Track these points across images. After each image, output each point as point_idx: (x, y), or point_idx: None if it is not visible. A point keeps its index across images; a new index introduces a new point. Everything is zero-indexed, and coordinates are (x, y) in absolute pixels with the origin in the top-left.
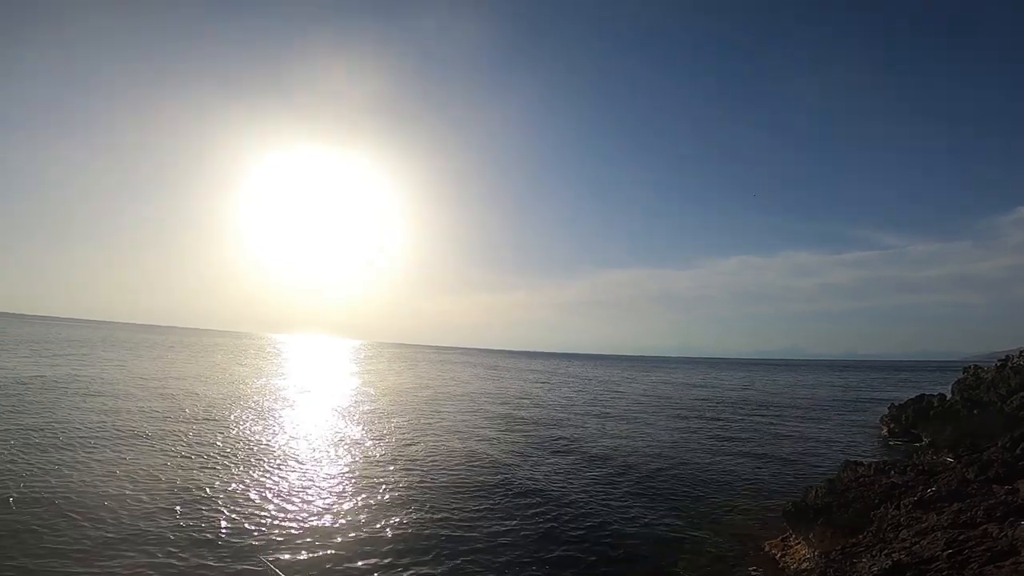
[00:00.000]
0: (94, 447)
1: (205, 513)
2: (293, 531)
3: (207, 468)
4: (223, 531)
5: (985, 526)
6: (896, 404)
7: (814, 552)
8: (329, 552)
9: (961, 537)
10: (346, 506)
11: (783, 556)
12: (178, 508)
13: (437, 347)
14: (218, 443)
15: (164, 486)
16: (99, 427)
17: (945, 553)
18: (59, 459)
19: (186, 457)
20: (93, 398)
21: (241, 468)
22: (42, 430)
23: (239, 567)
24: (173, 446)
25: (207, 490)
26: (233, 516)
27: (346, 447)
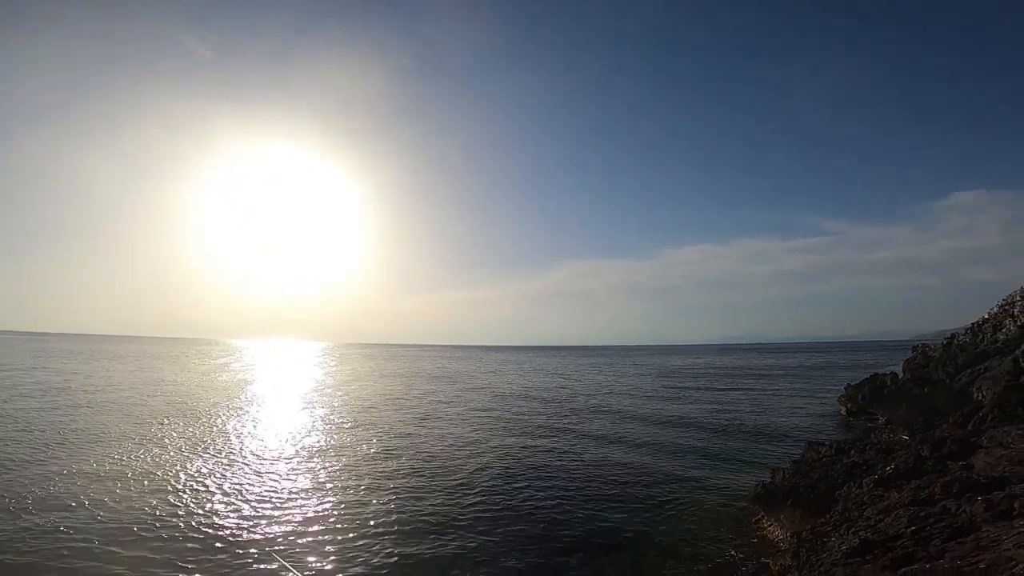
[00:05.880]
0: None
1: (207, 511)
2: (299, 527)
3: (206, 467)
4: (231, 528)
5: (943, 502)
6: (852, 384)
7: (786, 532)
8: (338, 547)
9: (922, 514)
10: (349, 499)
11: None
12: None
13: (406, 345)
14: (212, 443)
15: (158, 486)
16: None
17: (909, 530)
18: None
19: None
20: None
21: (237, 467)
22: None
23: (252, 565)
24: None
25: (208, 489)
26: (236, 513)
27: (339, 445)
